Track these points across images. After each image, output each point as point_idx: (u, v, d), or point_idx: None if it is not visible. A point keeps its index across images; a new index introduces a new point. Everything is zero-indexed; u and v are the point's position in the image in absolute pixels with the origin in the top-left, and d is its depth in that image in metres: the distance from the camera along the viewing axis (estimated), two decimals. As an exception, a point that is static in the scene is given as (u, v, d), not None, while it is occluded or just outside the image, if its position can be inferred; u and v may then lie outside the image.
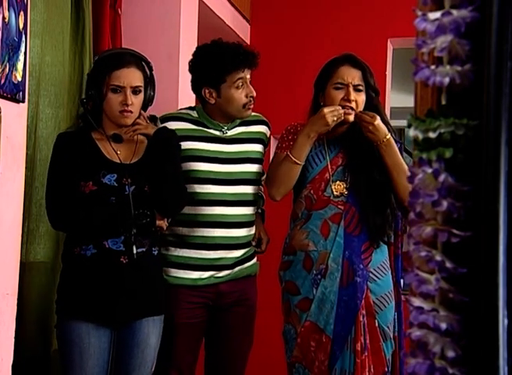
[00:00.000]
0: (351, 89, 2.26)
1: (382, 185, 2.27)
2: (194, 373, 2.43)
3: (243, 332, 2.42)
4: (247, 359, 2.47)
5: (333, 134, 2.35)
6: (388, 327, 2.30)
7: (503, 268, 0.68)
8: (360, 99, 2.28)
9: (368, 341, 2.25)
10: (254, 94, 2.32)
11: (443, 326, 0.70)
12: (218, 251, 2.31)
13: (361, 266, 2.27)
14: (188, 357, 2.36)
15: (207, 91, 2.31)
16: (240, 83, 2.29)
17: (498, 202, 0.69)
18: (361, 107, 2.29)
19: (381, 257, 2.33)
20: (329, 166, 2.33)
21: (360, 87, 2.28)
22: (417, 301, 0.73)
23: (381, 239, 2.32)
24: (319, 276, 2.28)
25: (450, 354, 0.70)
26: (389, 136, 2.22)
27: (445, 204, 0.72)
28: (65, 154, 2.12)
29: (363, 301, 2.26)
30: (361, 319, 2.25)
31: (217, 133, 2.36)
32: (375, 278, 2.29)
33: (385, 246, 2.36)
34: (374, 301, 2.27)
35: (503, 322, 0.68)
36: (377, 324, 2.27)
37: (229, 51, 2.29)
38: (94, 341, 2.07)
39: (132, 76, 2.14)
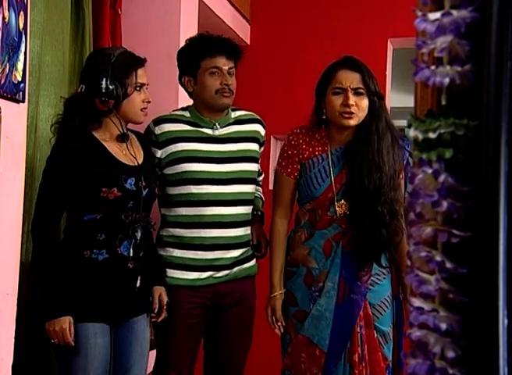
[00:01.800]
0: (350, 93, 2.19)
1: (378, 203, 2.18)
2: (193, 374, 2.43)
3: (242, 332, 2.42)
4: (246, 360, 2.47)
5: (337, 144, 2.30)
6: (389, 328, 2.27)
7: (503, 268, 0.68)
8: (362, 103, 2.20)
9: (365, 352, 2.21)
10: (230, 83, 2.31)
11: (443, 326, 0.70)
12: (216, 252, 2.31)
13: (359, 284, 2.23)
14: (187, 357, 2.35)
15: (186, 79, 2.37)
16: (215, 71, 2.30)
17: (498, 203, 0.69)
18: (365, 111, 2.21)
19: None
20: (333, 185, 2.26)
21: (361, 91, 2.20)
22: (417, 302, 0.73)
23: (376, 262, 2.25)
24: (317, 294, 2.26)
25: (450, 354, 0.70)
26: None
27: (445, 204, 0.72)
28: (70, 164, 2.04)
29: (361, 312, 2.23)
30: (358, 330, 2.22)
31: (210, 132, 2.35)
32: (374, 283, 2.26)
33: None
34: (372, 310, 2.24)
35: (503, 322, 0.68)
36: (375, 334, 2.23)
37: (206, 38, 2.34)
38: (100, 341, 2.06)
39: (146, 75, 2.17)
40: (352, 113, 2.19)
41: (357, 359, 2.21)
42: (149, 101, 2.16)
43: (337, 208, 2.24)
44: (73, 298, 2.06)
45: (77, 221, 2.09)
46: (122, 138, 2.14)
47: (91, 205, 2.07)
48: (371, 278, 2.26)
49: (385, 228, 2.18)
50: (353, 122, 2.21)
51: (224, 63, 2.31)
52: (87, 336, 2.04)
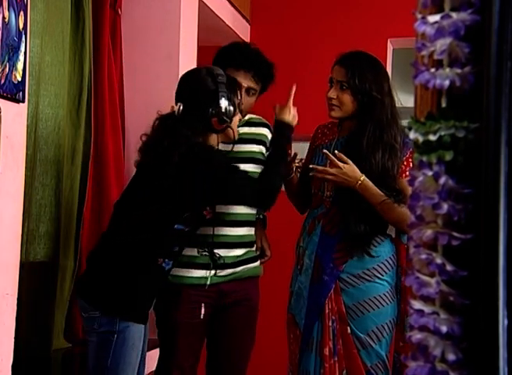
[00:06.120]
0: (334, 86, 2.25)
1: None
2: (196, 373, 2.43)
3: (245, 332, 2.42)
4: (248, 360, 2.47)
5: (345, 133, 2.33)
6: (369, 335, 2.19)
7: (503, 270, 0.68)
8: (343, 97, 2.22)
9: (339, 347, 2.19)
10: (242, 102, 2.25)
11: (444, 329, 0.70)
12: (221, 250, 2.31)
13: (331, 265, 2.21)
14: (190, 357, 2.35)
15: None
16: None
17: (498, 204, 0.69)
18: (347, 106, 2.22)
19: (368, 264, 2.22)
20: (328, 166, 2.28)
21: (344, 85, 2.22)
22: (417, 304, 0.73)
23: (362, 246, 2.20)
24: (299, 272, 2.31)
25: (451, 357, 0.70)
26: (362, 179, 2.14)
27: (445, 206, 0.72)
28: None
29: (333, 305, 2.20)
30: (330, 324, 2.20)
31: None
32: (354, 284, 2.21)
33: (383, 252, 2.23)
34: (349, 307, 2.20)
35: (503, 322, 0.68)
36: (349, 331, 2.19)
37: (241, 47, 2.38)
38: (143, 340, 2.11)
39: None
40: (333, 105, 2.25)
41: (327, 353, 2.19)
42: (241, 120, 2.23)
43: (326, 187, 2.29)
44: (142, 303, 2.07)
45: (168, 227, 2.07)
46: None
47: (191, 217, 2.09)
48: (353, 277, 2.21)
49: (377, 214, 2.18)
50: (334, 114, 2.27)
51: (244, 77, 2.31)
52: (141, 337, 2.06)
